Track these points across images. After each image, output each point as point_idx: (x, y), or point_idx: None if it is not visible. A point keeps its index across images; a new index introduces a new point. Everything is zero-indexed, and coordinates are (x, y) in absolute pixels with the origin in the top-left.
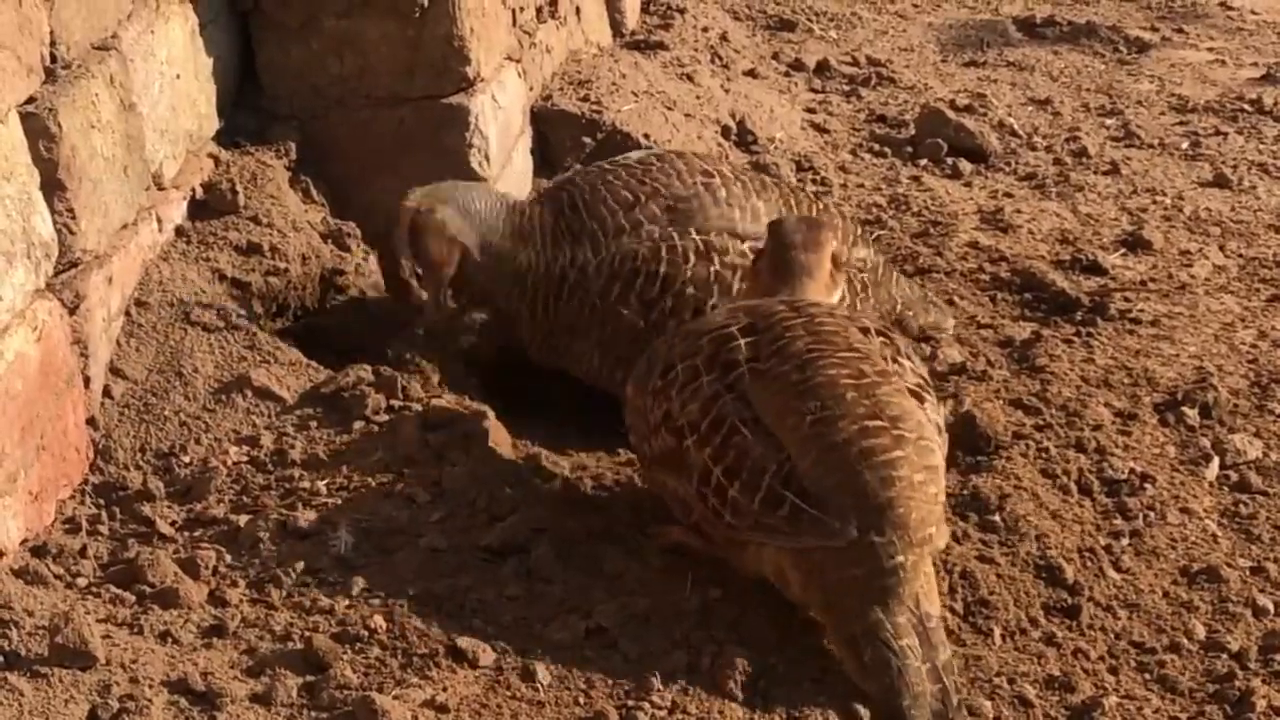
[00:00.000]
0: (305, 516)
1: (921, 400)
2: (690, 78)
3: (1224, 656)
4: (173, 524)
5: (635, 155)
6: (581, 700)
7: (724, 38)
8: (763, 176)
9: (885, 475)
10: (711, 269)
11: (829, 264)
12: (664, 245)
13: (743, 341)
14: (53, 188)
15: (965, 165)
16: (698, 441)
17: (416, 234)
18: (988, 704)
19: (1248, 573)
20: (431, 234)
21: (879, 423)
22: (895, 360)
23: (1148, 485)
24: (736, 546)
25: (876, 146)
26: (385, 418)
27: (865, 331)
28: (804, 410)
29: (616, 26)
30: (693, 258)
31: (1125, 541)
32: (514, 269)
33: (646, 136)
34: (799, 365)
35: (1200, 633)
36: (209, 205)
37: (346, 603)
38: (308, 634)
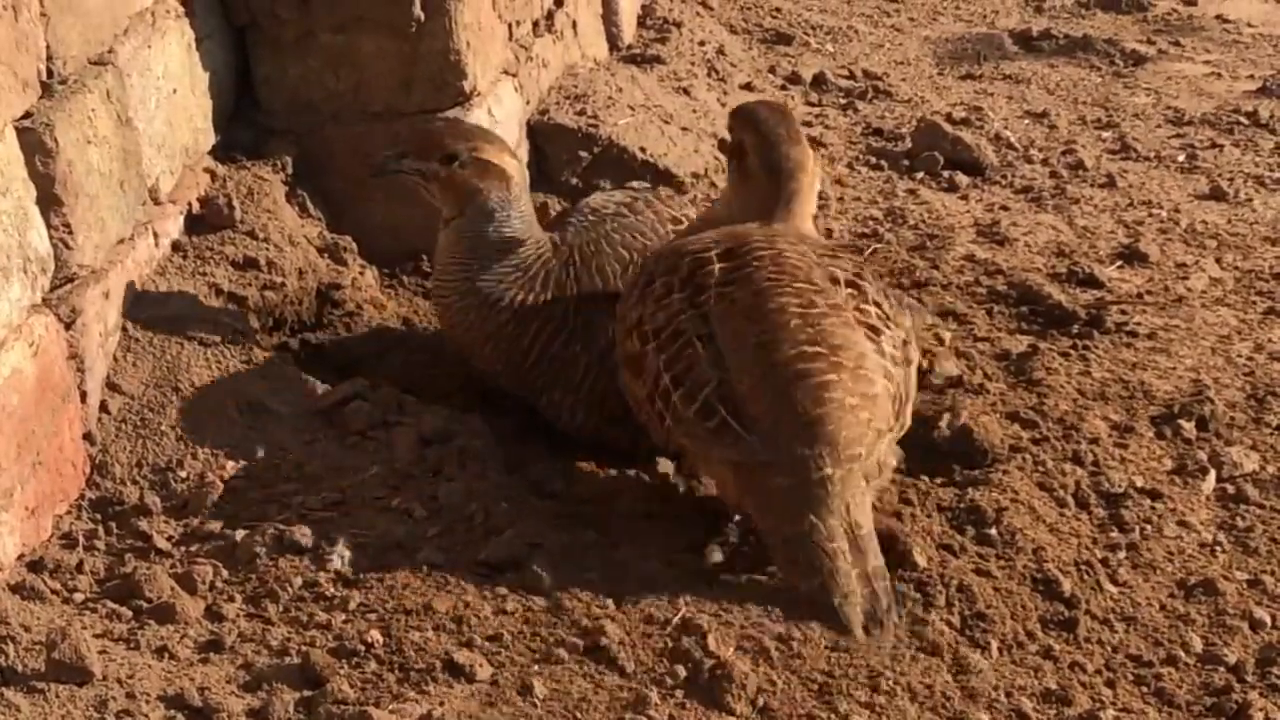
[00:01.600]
0: (302, 531)
1: (876, 336)
2: (687, 91)
3: (1221, 669)
4: (169, 539)
5: (611, 206)
6: (578, 715)
7: (720, 51)
8: None
9: (817, 395)
10: None
11: (812, 152)
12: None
13: (717, 267)
14: (49, 203)
15: (962, 178)
16: (656, 348)
17: (486, 167)
18: (985, 717)
19: (1245, 585)
20: (493, 173)
21: (817, 349)
22: (859, 309)
23: (1145, 498)
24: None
25: (873, 160)
26: (382, 433)
27: (834, 281)
28: (751, 334)
29: (613, 40)
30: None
31: (1122, 554)
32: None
33: (643, 150)
34: (755, 292)
35: (1197, 645)
36: (205, 220)
37: (343, 617)
38: (304, 649)
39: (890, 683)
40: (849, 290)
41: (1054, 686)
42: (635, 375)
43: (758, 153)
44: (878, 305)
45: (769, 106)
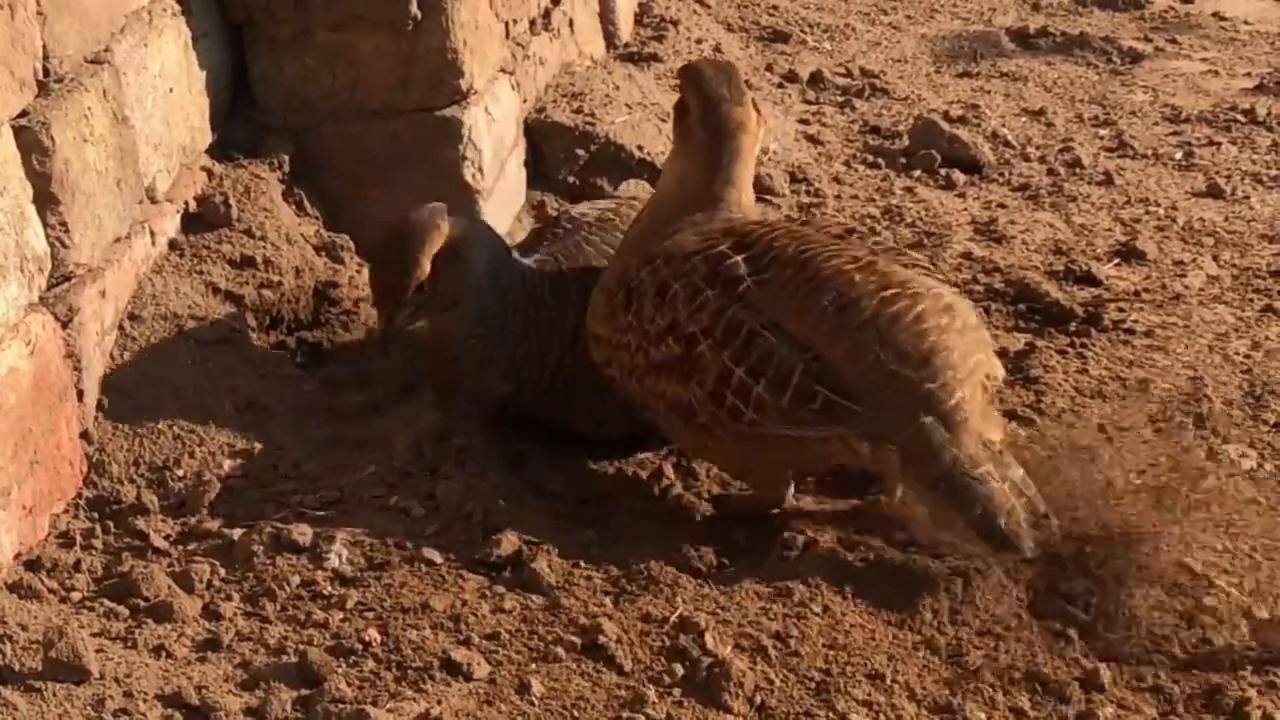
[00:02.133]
0: (299, 530)
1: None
2: None
3: (1220, 666)
4: (166, 538)
5: (594, 213)
6: (576, 714)
7: (717, 49)
8: None
9: (917, 330)
10: None
11: (754, 112)
12: None
13: (739, 259)
14: (46, 201)
15: (959, 176)
16: (713, 345)
17: (443, 260)
18: (982, 715)
19: (1243, 582)
20: (453, 267)
21: (893, 290)
22: (872, 252)
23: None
24: (748, 441)
25: (870, 158)
26: (380, 431)
27: (840, 235)
28: (821, 304)
29: (610, 38)
30: None
31: (1119, 550)
32: (516, 341)
33: (640, 148)
34: (798, 267)
35: (1195, 643)
36: (202, 218)
37: (341, 616)
38: (302, 647)
39: (889, 681)
40: (855, 235)
41: (1052, 683)
42: (681, 379)
43: (699, 111)
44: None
45: (715, 65)
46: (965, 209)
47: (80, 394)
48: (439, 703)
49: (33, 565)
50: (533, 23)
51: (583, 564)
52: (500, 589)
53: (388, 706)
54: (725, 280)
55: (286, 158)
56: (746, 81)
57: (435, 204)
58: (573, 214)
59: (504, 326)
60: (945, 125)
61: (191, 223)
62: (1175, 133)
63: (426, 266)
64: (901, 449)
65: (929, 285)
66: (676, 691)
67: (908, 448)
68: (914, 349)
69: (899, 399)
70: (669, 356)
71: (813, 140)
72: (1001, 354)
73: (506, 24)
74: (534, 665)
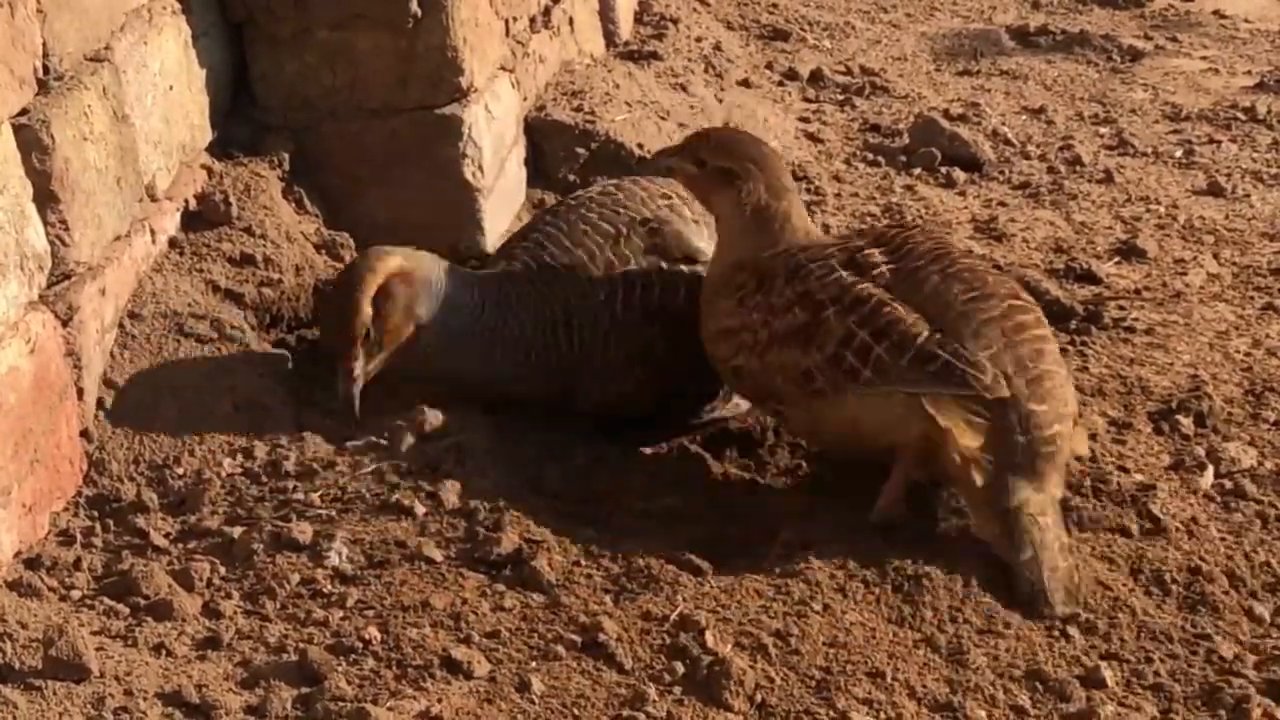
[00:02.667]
0: (299, 528)
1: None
2: (684, 88)
3: (1220, 665)
4: (167, 536)
5: (594, 189)
6: (576, 712)
7: (717, 47)
8: None
9: (1036, 349)
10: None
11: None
12: (652, 270)
13: (875, 250)
14: (46, 200)
15: (959, 174)
16: (839, 312)
17: (384, 298)
18: (983, 713)
19: (1243, 581)
20: (396, 302)
21: (1023, 302)
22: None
23: (1143, 494)
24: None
25: (870, 156)
26: (380, 429)
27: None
28: (954, 293)
29: (610, 37)
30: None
31: (1120, 548)
32: (508, 338)
33: (640, 147)
34: (933, 259)
35: (1196, 641)
36: (202, 216)
37: (341, 614)
38: (302, 646)
39: (889, 679)
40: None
41: (1052, 681)
42: (802, 346)
43: (759, 176)
44: None
45: (738, 131)
46: (965, 207)
47: (80, 392)
48: (439, 701)
49: (33, 563)
50: (533, 20)
51: (583, 562)
52: (500, 587)
53: (388, 705)
54: (860, 264)
55: (286, 156)
56: (746, 80)
57: (373, 248)
58: (573, 194)
59: (472, 330)
60: (945, 123)
61: (191, 221)
62: (1176, 131)
63: (367, 310)
64: (993, 464)
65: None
66: (677, 690)
67: (997, 464)
68: (1031, 363)
69: (1003, 405)
70: (794, 325)
71: (813, 138)
72: None
73: (506, 22)
74: (534, 663)
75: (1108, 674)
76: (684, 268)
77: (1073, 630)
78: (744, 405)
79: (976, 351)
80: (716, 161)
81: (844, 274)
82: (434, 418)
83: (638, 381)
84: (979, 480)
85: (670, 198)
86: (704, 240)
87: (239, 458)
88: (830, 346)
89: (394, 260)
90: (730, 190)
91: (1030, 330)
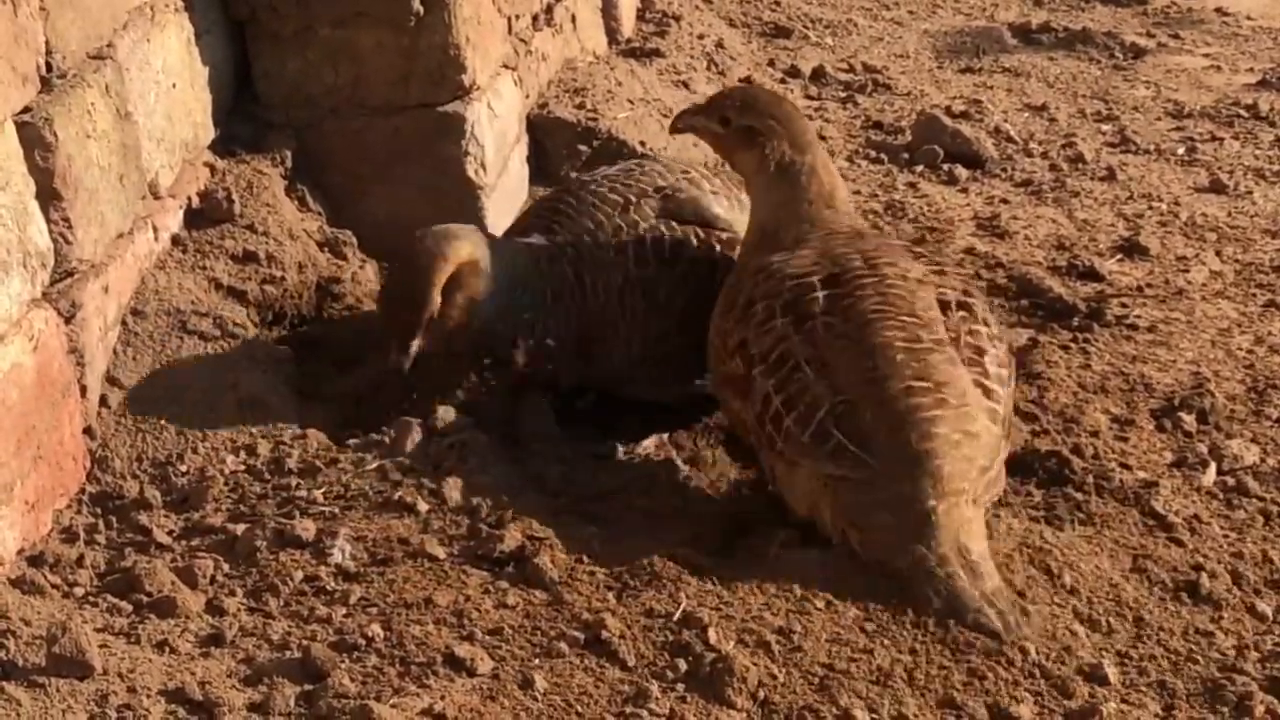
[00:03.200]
0: (303, 525)
1: (981, 357)
2: (686, 85)
3: (1222, 662)
4: (170, 533)
5: (616, 166)
6: (579, 709)
7: (720, 45)
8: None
9: (924, 430)
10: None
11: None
12: (663, 224)
13: (821, 294)
14: (49, 197)
15: (962, 171)
16: (764, 371)
17: (453, 288)
18: (985, 711)
19: (1246, 578)
20: (463, 293)
21: (924, 384)
22: (970, 331)
23: (1145, 491)
24: (789, 480)
25: (873, 153)
26: (383, 426)
27: (946, 305)
28: (862, 367)
29: (612, 34)
30: (695, 239)
31: (1121, 545)
32: (536, 322)
33: (642, 144)
34: (861, 324)
35: (1198, 638)
36: (205, 214)
37: (344, 611)
38: (305, 643)
39: (892, 676)
40: (961, 313)
41: (1055, 678)
42: (741, 397)
43: (781, 130)
44: (986, 324)
45: (760, 88)
46: (968, 204)
47: (83, 389)
48: (442, 698)
49: (36, 561)
50: (535, 18)
51: (586, 559)
52: (503, 584)
53: (391, 702)
54: (799, 312)
55: (289, 153)
56: (748, 78)
57: (440, 228)
58: (595, 170)
59: (526, 315)
60: (948, 120)
61: (194, 218)
62: (1178, 128)
63: (438, 300)
64: (875, 525)
65: (969, 399)
66: (680, 687)
67: (881, 529)
68: (914, 445)
69: (890, 480)
70: (734, 373)
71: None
72: None
73: (509, 19)
74: (537, 661)
75: (1110, 670)
76: (698, 229)
77: (1077, 626)
78: None
79: (868, 435)
80: (741, 120)
81: (779, 322)
82: (446, 414)
83: (660, 335)
84: (859, 551)
85: (690, 173)
86: (722, 208)
87: (242, 455)
88: (757, 405)
89: (465, 248)
90: (755, 148)
91: (924, 411)
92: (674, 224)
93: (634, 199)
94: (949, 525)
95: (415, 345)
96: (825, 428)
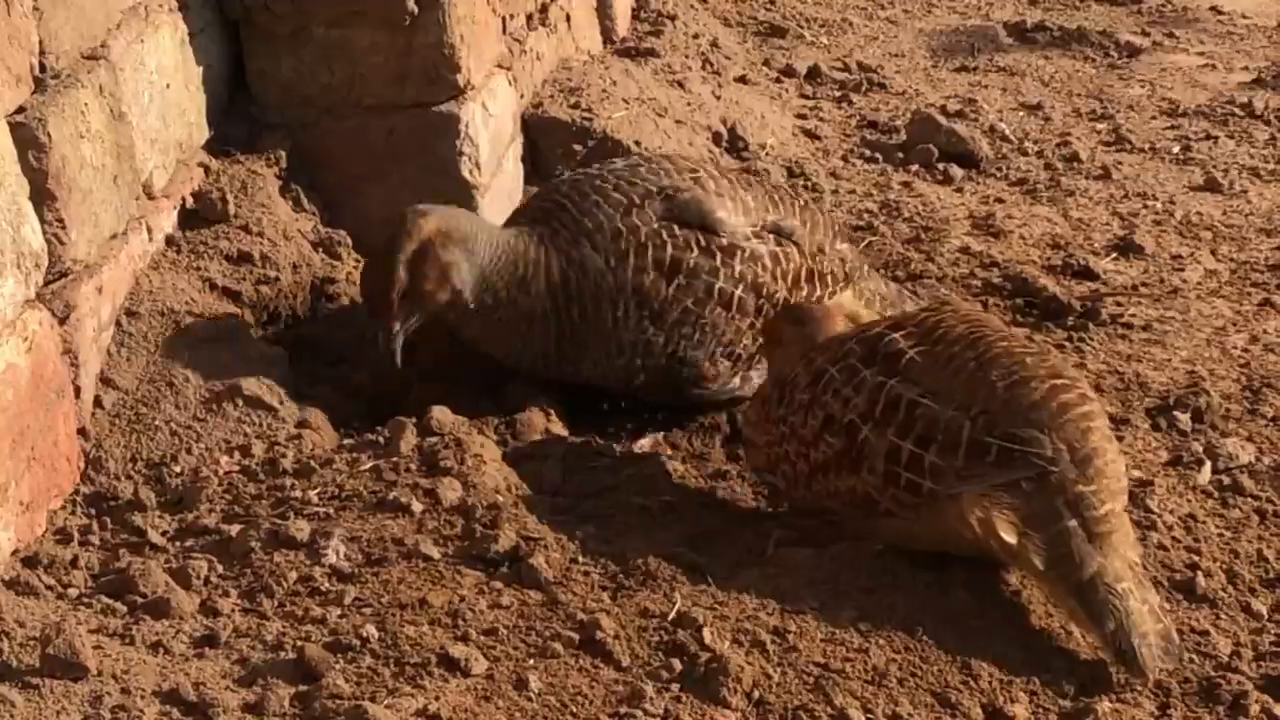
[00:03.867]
0: (297, 526)
1: None
2: (681, 84)
3: (1217, 661)
4: (164, 534)
5: (621, 161)
6: (574, 709)
7: (715, 44)
8: (746, 175)
9: (1084, 427)
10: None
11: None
12: (664, 229)
13: (899, 335)
14: (42, 198)
15: (956, 171)
16: (876, 427)
17: (420, 261)
18: (980, 710)
19: (1241, 577)
20: (432, 266)
21: (1064, 380)
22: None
23: (1140, 490)
24: (938, 523)
25: (868, 152)
26: (378, 426)
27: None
28: (992, 379)
29: (607, 33)
30: (695, 247)
31: None
32: (521, 314)
33: (637, 144)
34: (967, 345)
35: (1193, 637)
36: (199, 214)
37: (339, 612)
38: (300, 643)
39: (887, 676)
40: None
41: (1050, 678)
42: (851, 471)
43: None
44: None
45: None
46: (962, 203)
47: (77, 390)
48: (437, 698)
49: (30, 562)
50: (529, 18)
51: (580, 559)
52: (498, 584)
53: (385, 702)
54: (885, 355)
55: (284, 154)
56: (743, 77)
57: (414, 206)
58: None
59: (507, 299)
60: (942, 120)
61: (188, 219)
62: (1173, 127)
63: (403, 275)
64: (1047, 546)
65: (1091, 391)
66: (674, 687)
67: (1052, 546)
68: (1079, 444)
69: (1049, 491)
70: (832, 453)
71: (810, 135)
72: None
73: (503, 19)
74: (532, 661)
75: (1105, 670)
76: (699, 233)
77: (1071, 628)
78: (758, 382)
79: (1027, 429)
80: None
81: (867, 374)
82: (441, 415)
83: (648, 348)
84: (1038, 564)
85: (698, 172)
86: (725, 210)
87: (236, 455)
88: (881, 466)
89: (431, 222)
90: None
91: (1075, 409)
92: (675, 229)
93: (638, 200)
94: (1120, 531)
95: (398, 327)
96: (978, 441)
